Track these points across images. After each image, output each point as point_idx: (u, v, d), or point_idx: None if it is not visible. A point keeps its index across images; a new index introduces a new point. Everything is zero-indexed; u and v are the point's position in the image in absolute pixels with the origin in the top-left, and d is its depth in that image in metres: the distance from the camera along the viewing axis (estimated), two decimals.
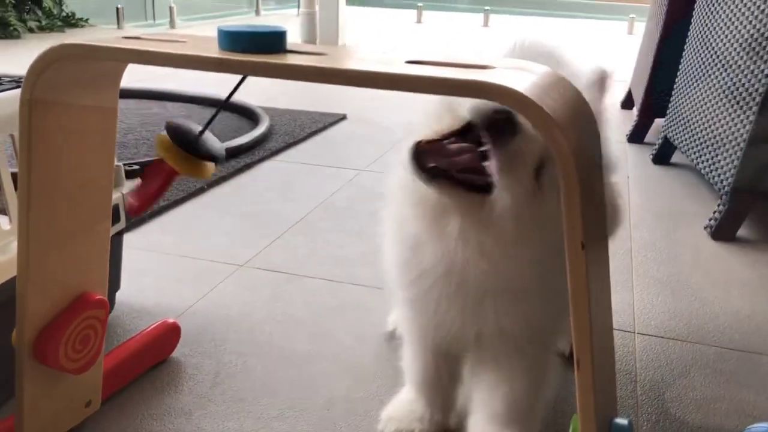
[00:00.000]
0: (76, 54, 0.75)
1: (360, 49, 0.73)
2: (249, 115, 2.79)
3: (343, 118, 2.94)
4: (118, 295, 1.35)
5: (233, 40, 0.68)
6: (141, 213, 0.96)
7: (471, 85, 0.60)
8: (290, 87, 3.51)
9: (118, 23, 6.18)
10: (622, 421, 0.71)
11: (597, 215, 0.63)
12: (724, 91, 1.93)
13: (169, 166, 0.88)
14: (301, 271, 1.57)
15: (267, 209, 1.93)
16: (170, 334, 1.23)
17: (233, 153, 2.31)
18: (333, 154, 2.47)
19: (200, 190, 2.03)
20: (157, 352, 1.20)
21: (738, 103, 1.83)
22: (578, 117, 0.62)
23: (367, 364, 1.24)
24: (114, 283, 1.31)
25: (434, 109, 0.82)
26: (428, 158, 0.76)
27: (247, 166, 2.25)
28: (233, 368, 1.21)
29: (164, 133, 0.87)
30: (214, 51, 0.69)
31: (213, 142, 0.90)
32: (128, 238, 1.65)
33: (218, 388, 1.15)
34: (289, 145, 2.49)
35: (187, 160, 0.88)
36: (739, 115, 1.81)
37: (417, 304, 0.93)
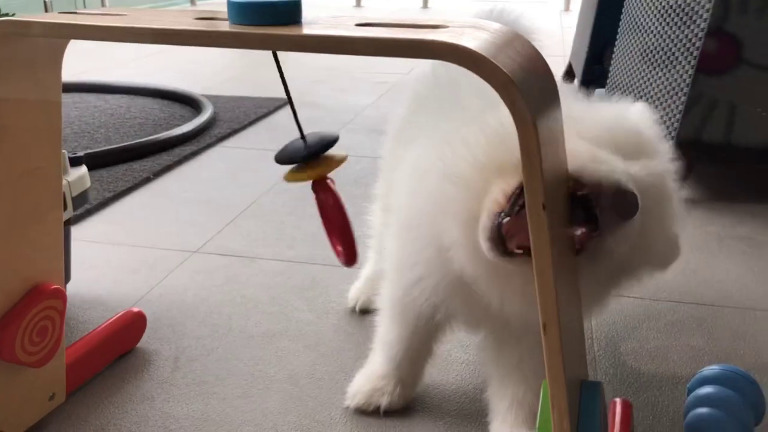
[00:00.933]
0: (8, 32, 0.72)
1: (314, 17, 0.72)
2: (191, 104, 2.73)
3: (287, 102, 2.91)
4: (69, 287, 1.31)
5: (245, 12, 0.65)
6: (352, 256, 0.92)
7: (423, 45, 0.59)
8: (235, 73, 3.45)
9: None
10: (592, 382, 0.73)
11: (558, 177, 0.64)
12: (654, 57, 1.98)
13: (321, 185, 0.87)
14: (256, 254, 1.55)
15: (217, 195, 1.90)
16: (136, 323, 1.20)
17: (177, 141, 2.26)
18: (279, 139, 2.43)
19: (146, 180, 1.99)
20: (124, 343, 1.18)
21: (669, 69, 1.88)
22: (535, 75, 0.63)
23: (330, 340, 1.24)
24: (65, 275, 1.27)
25: (498, 162, 0.73)
26: (511, 239, 0.67)
27: (193, 154, 2.21)
28: (193, 352, 1.19)
29: (286, 173, 0.86)
30: (210, 25, 0.67)
31: (317, 136, 0.87)
32: (75, 231, 1.61)
33: (179, 372, 1.14)
34: (234, 131, 2.46)
35: (320, 161, 0.86)
36: (672, 81, 1.86)
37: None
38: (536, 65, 0.63)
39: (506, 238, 0.67)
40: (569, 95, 0.83)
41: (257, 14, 0.66)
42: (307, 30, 0.65)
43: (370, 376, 1.06)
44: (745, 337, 1.24)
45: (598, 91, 2.75)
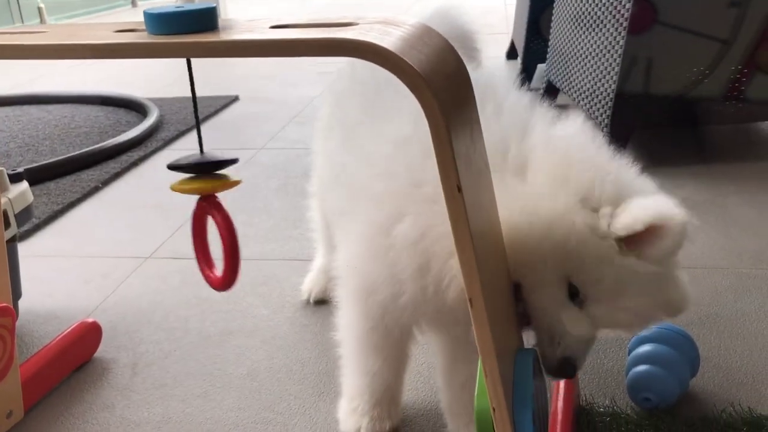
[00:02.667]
0: None
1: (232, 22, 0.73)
2: (137, 108, 2.71)
3: (235, 99, 2.90)
4: (21, 303, 1.31)
5: (160, 22, 0.66)
6: (231, 279, 0.85)
7: (335, 44, 0.61)
8: (178, 74, 3.43)
9: None
10: (525, 349, 0.76)
11: (474, 156, 0.67)
12: (586, 21, 2.03)
13: (204, 204, 0.83)
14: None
15: (167, 199, 1.90)
16: (91, 334, 1.21)
17: (124, 148, 2.25)
18: (228, 136, 2.45)
19: (95, 189, 1.98)
20: (79, 354, 1.18)
21: (600, 30, 1.93)
22: (445, 66, 0.65)
23: (286, 333, 1.26)
24: (14, 291, 1.27)
25: None
26: None
27: (141, 159, 2.20)
28: (151, 356, 1.20)
29: (174, 182, 0.82)
30: (128, 37, 0.67)
31: (215, 154, 0.83)
32: (25, 247, 1.61)
33: (138, 377, 1.15)
34: (182, 133, 2.45)
35: (212, 177, 0.81)
36: (604, 42, 1.91)
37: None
38: (445, 57, 0.66)
39: None
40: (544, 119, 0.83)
41: (173, 23, 0.67)
42: (223, 35, 0.67)
43: (363, 408, 0.99)
44: None
45: (540, 66, 2.81)
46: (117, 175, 2.08)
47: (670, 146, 2.10)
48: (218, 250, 0.85)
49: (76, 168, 2.10)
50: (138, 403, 1.09)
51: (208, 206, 0.82)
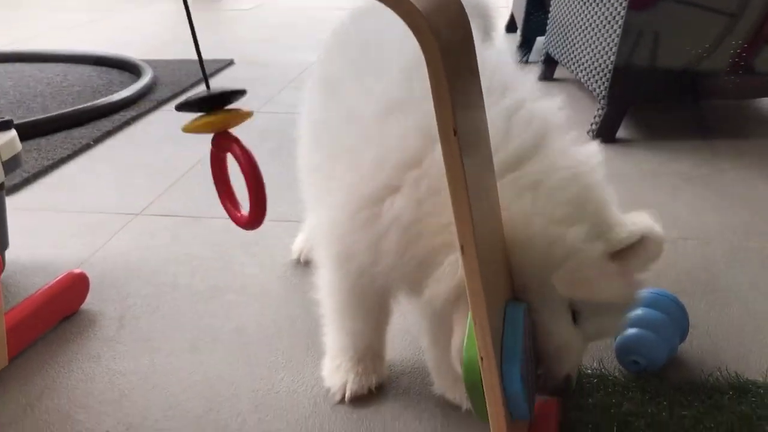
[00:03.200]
0: None
1: None
2: (131, 69, 2.67)
3: (230, 63, 2.87)
4: (8, 254, 1.30)
5: None
6: (259, 216, 0.80)
7: None
8: (174, 36, 3.38)
9: None
10: (516, 302, 0.75)
11: (472, 102, 0.66)
12: (591, 15, 2.01)
13: (221, 141, 0.79)
14: (200, 213, 1.55)
15: (159, 158, 1.88)
16: (78, 285, 1.20)
17: (117, 107, 2.22)
18: None
19: (86, 147, 1.95)
20: (66, 305, 1.17)
21: (605, 25, 1.91)
22: (447, 11, 0.63)
23: (275, 291, 1.25)
24: (0, 241, 1.25)
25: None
26: None
27: (134, 119, 2.18)
28: (138, 310, 1.20)
29: (185, 123, 0.78)
30: None
31: (222, 87, 0.80)
32: (13, 200, 1.59)
33: (125, 330, 1.14)
34: (175, 95, 2.42)
35: (223, 113, 0.77)
36: (608, 22, 1.89)
37: None
38: (449, 4, 0.64)
39: None
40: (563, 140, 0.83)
41: None
42: None
43: (346, 365, 1.00)
44: (676, 264, 1.30)
45: (539, 39, 2.78)
46: (109, 134, 2.06)
47: (669, 120, 2.09)
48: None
49: (68, 125, 2.07)
50: (124, 355, 1.08)
51: (224, 142, 0.78)
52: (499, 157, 0.76)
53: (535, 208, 0.76)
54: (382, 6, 0.57)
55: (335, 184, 0.87)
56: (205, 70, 0.80)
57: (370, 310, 0.96)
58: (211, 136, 0.79)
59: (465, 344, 0.70)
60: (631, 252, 0.78)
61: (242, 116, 0.77)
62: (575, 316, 0.81)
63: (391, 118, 0.82)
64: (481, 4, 1.22)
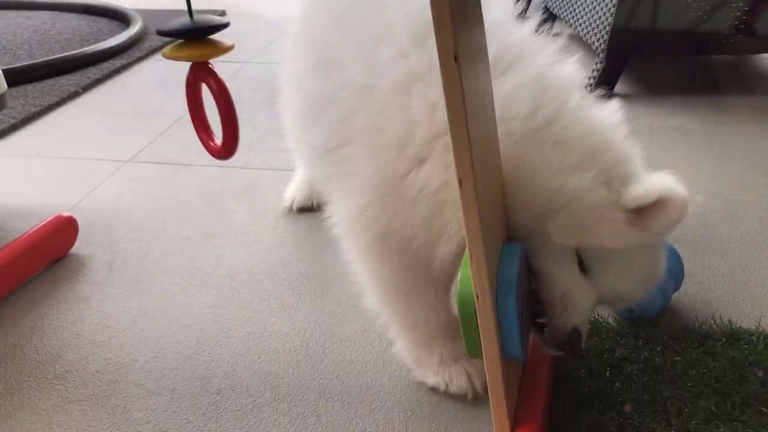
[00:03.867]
0: None
1: None
2: (120, 18, 2.61)
3: (221, 13, 2.81)
4: None
5: None
6: (232, 146, 0.82)
7: None
8: None
9: None
10: (512, 242, 0.74)
11: (472, 29, 0.63)
12: None
13: (198, 71, 0.79)
14: (190, 161, 1.52)
15: (149, 106, 1.85)
16: (66, 228, 1.18)
17: (105, 55, 2.17)
18: None
19: (75, 94, 1.91)
20: (55, 248, 1.16)
21: None
22: None
23: (267, 238, 1.24)
24: None
25: None
26: None
27: (124, 67, 2.13)
28: (128, 255, 1.18)
29: (166, 48, 0.77)
30: None
31: (206, 18, 0.78)
32: (1, 146, 1.56)
33: (115, 273, 1.13)
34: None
35: (205, 45, 0.78)
36: None
37: None
38: None
39: None
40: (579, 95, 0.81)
41: None
42: None
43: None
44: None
45: None
46: (98, 82, 2.01)
47: (668, 75, 2.06)
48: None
49: (55, 72, 2.03)
50: (114, 297, 1.07)
51: (201, 73, 0.78)
52: (525, 125, 0.75)
53: (547, 159, 0.75)
54: None
55: (354, 168, 0.83)
56: (190, 3, 0.78)
57: (435, 285, 0.84)
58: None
59: (460, 277, 0.69)
60: (651, 212, 0.76)
61: (222, 49, 0.77)
62: (585, 269, 0.78)
63: (414, 91, 0.78)
64: None
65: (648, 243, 0.78)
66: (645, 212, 0.76)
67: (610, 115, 0.82)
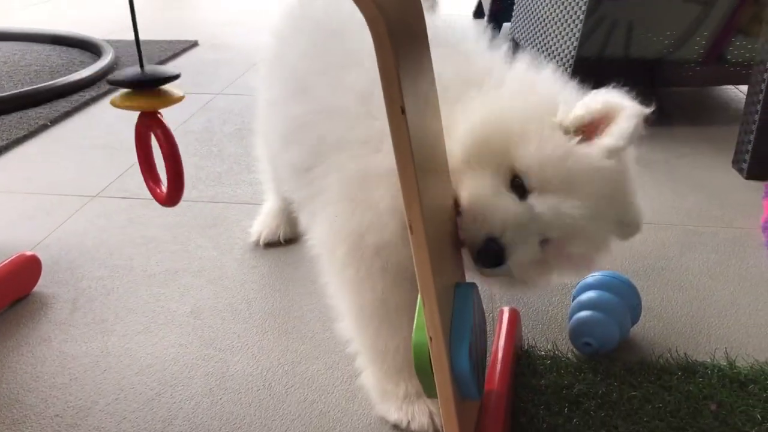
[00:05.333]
0: None
1: None
2: (91, 49, 2.62)
3: (194, 44, 2.82)
4: None
5: None
6: (176, 195, 0.83)
7: None
8: (139, 17, 3.31)
9: None
10: (465, 283, 0.75)
11: (421, 81, 0.65)
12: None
13: (147, 121, 0.80)
14: None
15: (117, 140, 1.85)
16: (29, 267, 1.17)
17: (75, 87, 2.17)
18: (186, 80, 2.38)
19: (43, 127, 1.91)
20: (16, 288, 1.15)
21: (570, 2, 1.92)
22: None
23: (233, 273, 1.24)
24: None
25: None
26: None
27: (93, 100, 2.13)
28: (92, 293, 1.18)
29: (116, 97, 0.78)
30: None
31: (157, 68, 0.79)
32: None
33: (78, 312, 1.12)
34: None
35: (154, 95, 0.78)
36: (572, 6, 1.90)
37: None
38: None
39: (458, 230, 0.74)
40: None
41: None
42: None
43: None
44: (631, 247, 1.31)
45: (505, 25, 2.79)
46: (67, 114, 2.01)
47: None
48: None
49: (24, 105, 2.02)
50: (76, 338, 1.07)
51: (149, 122, 0.80)
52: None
53: (498, 101, 0.77)
54: None
55: (325, 183, 0.85)
56: (140, 48, 0.79)
57: (408, 312, 0.81)
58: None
59: (414, 326, 0.70)
60: (598, 131, 0.74)
61: (170, 101, 0.78)
62: (525, 192, 0.75)
63: (370, 102, 0.82)
64: None
65: (599, 165, 0.74)
66: (593, 131, 0.75)
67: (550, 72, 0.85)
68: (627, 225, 0.84)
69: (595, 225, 0.77)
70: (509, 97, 0.78)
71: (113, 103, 0.77)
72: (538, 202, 0.74)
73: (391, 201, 0.77)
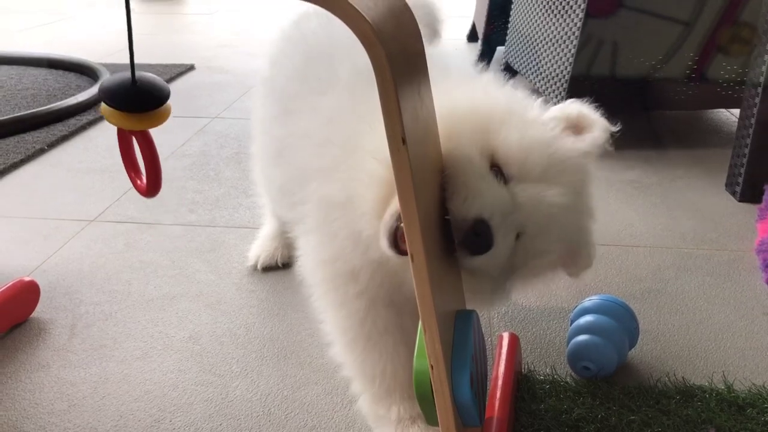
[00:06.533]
0: None
1: None
2: (88, 73, 2.63)
3: (191, 68, 2.84)
4: None
5: None
6: (154, 189, 0.88)
7: None
8: (135, 41, 3.33)
9: None
10: (466, 310, 0.76)
11: (420, 112, 0.66)
12: (549, 4, 2.05)
13: (142, 136, 0.83)
14: (156, 220, 1.53)
15: (114, 163, 1.85)
16: (28, 293, 1.17)
17: (72, 111, 2.18)
18: (183, 104, 2.40)
19: (40, 151, 1.91)
20: (15, 314, 1.15)
21: (562, 15, 1.94)
22: (396, 19, 0.64)
23: (231, 298, 1.24)
24: None
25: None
26: (403, 241, 0.66)
27: (90, 124, 2.14)
28: (91, 318, 1.18)
29: (110, 111, 0.79)
30: None
31: (151, 83, 0.80)
32: None
33: (76, 338, 1.12)
34: None
35: (142, 117, 0.80)
36: (565, 26, 1.93)
37: None
38: (398, 11, 0.65)
39: (399, 240, 0.70)
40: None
41: None
42: None
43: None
44: (627, 270, 1.33)
45: (499, 49, 2.82)
46: (64, 138, 2.02)
47: (623, 130, 2.12)
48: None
49: (21, 129, 2.03)
50: (75, 364, 1.06)
51: (139, 138, 0.83)
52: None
53: (475, 91, 0.79)
54: (325, 13, 0.57)
55: (307, 209, 0.87)
56: (134, 63, 0.80)
57: (391, 336, 0.87)
58: None
59: (415, 353, 0.70)
60: (573, 132, 0.79)
61: (165, 118, 0.80)
62: (504, 179, 0.74)
63: (336, 125, 0.83)
64: (429, 7, 1.23)
65: (573, 157, 0.77)
66: (569, 131, 0.79)
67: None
68: (579, 259, 0.84)
69: (568, 219, 0.78)
70: (484, 88, 0.81)
71: (102, 112, 0.80)
72: (518, 190, 0.74)
73: (350, 230, 0.78)
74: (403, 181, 0.62)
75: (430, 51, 0.85)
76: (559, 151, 0.76)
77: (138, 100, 0.77)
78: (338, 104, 0.86)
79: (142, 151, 0.83)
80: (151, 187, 0.87)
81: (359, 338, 0.87)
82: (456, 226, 0.71)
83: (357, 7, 0.58)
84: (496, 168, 0.74)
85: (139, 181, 0.88)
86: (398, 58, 0.60)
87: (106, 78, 0.80)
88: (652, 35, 1.88)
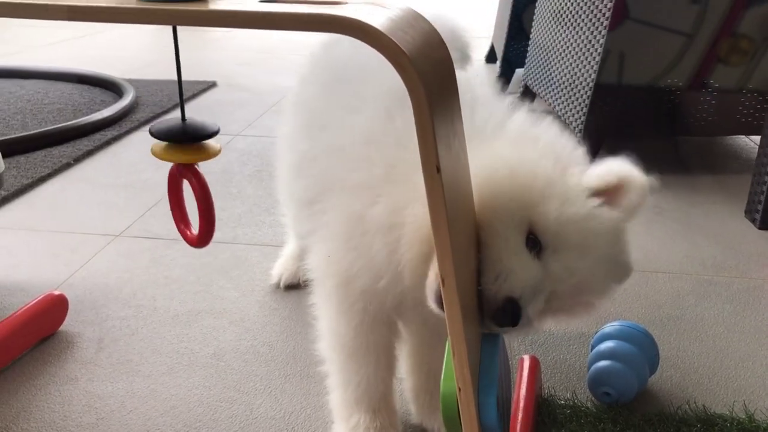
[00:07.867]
0: None
1: None
2: (112, 88, 2.68)
3: (212, 85, 2.89)
4: None
5: None
6: (207, 236, 0.89)
7: (322, 20, 0.62)
8: (157, 57, 3.39)
9: None
10: (491, 333, 0.77)
11: (454, 140, 0.68)
12: (571, 40, 2.07)
13: (181, 169, 0.85)
14: (179, 236, 1.55)
15: (140, 179, 1.89)
16: (57, 306, 1.20)
17: (98, 126, 2.22)
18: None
19: (67, 166, 1.95)
20: (44, 327, 1.17)
21: (583, 51, 1.96)
22: (430, 49, 0.66)
23: (255, 315, 1.26)
24: None
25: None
26: None
27: (115, 139, 2.18)
28: (117, 332, 1.20)
29: (160, 147, 0.83)
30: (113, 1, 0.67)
31: (200, 121, 0.85)
32: None
33: (103, 352, 1.14)
34: (157, 116, 2.42)
35: (194, 149, 0.83)
36: (586, 62, 1.95)
37: None
38: (432, 41, 0.67)
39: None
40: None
41: None
42: (212, 6, 0.67)
43: (363, 421, 0.96)
44: (647, 296, 1.33)
45: (517, 71, 2.84)
46: (89, 153, 2.06)
47: (644, 154, 2.13)
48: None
49: (48, 143, 2.07)
50: (102, 378, 1.08)
51: (184, 170, 0.83)
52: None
53: (513, 153, 0.78)
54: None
55: (326, 218, 0.88)
56: (183, 103, 0.84)
57: (379, 350, 0.91)
58: None
59: (443, 376, 0.72)
60: (610, 195, 0.78)
61: (213, 153, 0.82)
62: (539, 250, 0.76)
63: (374, 146, 0.85)
64: (456, 31, 1.26)
65: (610, 219, 0.77)
66: (605, 194, 0.78)
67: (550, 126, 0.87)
68: (621, 269, 0.83)
69: (603, 278, 0.80)
70: (518, 148, 0.80)
71: (153, 153, 0.81)
72: (552, 260, 0.76)
73: (388, 256, 0.79)
74: (436, 208, 0.63)
75: (459, 76, 0.87)
76: (599, 224, 0.76)
77: (189, 131, 0.81)
78: (372, 124, 0.87)
79: (195, 193, 0.84)
80: (204, 234, 0.87)
81: (348, 346, 0.91)
82: (487, 297, 0.74)
83: (394, 39, 0.60)
84: (533, 237, 0.76)
85: (189, 232, 0.88)
86: (433, 86, 0.62)
87: (156, 121, 0.83)
88: (656, 46, 1.92)
